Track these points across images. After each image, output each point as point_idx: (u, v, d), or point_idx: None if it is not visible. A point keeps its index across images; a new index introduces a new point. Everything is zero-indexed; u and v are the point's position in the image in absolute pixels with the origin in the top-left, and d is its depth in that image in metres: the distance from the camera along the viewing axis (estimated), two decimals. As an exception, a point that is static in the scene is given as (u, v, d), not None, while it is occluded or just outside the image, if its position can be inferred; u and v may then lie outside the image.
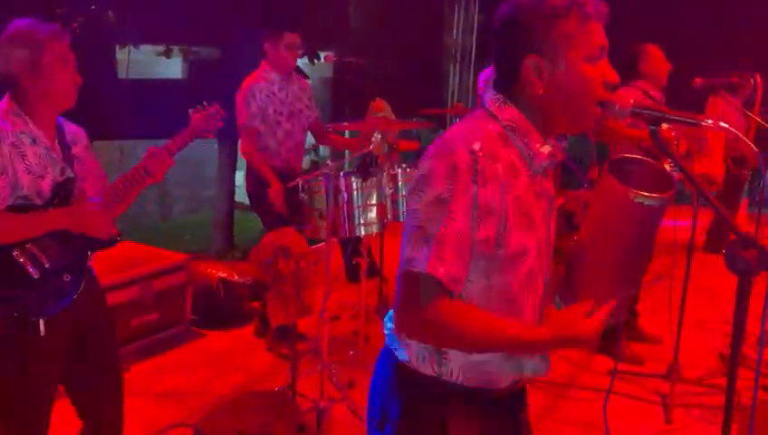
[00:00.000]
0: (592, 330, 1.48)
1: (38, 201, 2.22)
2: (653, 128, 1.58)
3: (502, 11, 1.49)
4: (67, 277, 2.26)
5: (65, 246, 2.26)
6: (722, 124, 1.57)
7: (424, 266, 1.38)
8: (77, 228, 2.27)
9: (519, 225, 1.46)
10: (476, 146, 1.41)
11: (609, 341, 4.22)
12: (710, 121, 1.56)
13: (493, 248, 1.43)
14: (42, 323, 2.20)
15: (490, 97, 1.52)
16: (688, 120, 1.60)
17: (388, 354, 1.61)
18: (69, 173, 2.30)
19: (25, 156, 2.18)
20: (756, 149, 1.62)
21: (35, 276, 2.19)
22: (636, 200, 1.57)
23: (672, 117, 1.52)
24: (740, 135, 1.53)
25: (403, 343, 1.55)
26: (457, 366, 1.52)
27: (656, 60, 4.05)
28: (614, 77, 1.51)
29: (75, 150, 2.38)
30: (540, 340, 1.48)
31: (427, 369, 1.54)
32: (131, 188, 2.39)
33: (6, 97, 2.24)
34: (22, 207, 2.19)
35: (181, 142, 2.45)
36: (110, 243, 2.38)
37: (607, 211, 1.66)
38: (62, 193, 2.27)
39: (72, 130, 2.42)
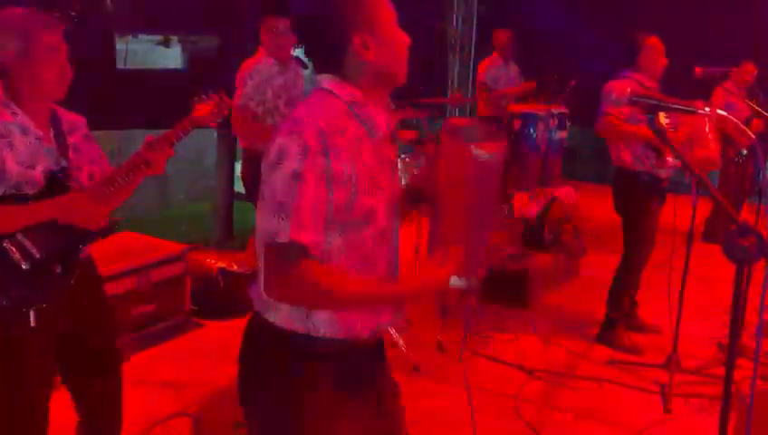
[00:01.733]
0: (442, 277, 1.67)
1: (30, 191, 2.19)
2: (650, 116, 1.58)
3: (301, 10, 1.70)
4: (58, 268, 2.24)
5: (56, 236, 2.23)
6: (719, 112, 1.56)
7: (287, 235, 1.53)
8: (64, 219, 2.24)
9: (367, 189, 1.62)
10: (323, 123, 1.57)
11: (608, 331, 4.24)
12: (707, 109, 1.55)
13: (345, 212, 1.59)
14: (32, 314, 2.18)
15: (326, 79, 1.69)
16: (686, 108, 1.60)
17: (256, 319, 1.74)
18: (63, 162, 2.27)
19: (14, 146, 2.15)
20: (753, 137, 1.61)
21: (25, 267, 2.17)
22: (474, 153, 1.82)
23: (669, 105, 1.51)
24: (739, 124, 1.52)
25: (274, 305, 1.67)
26: (323, 322, 1.67)
27: (655, 53, 4.03)
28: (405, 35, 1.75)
29: (72, 139, 2.34)
30: (397, 294, 1.73)
31: (298, 327, 1.67)
32: (129, 177, 2.34)
33: None
34: (13, 198, 2.16)
35: (182, 132, 2.40)
36: (102, 234, 2.34)
37: (450, 167, 1.85)
38: (57, 182, 2.25)
39: (70, 118, 2.38)
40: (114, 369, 2.55)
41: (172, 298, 4.31)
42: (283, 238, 1.53)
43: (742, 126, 1.50)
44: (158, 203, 8.07)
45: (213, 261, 4.65)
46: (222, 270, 4.59)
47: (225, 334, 4.38)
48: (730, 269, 1.63)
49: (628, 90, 1.48)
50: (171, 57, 7.33)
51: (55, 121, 2.31)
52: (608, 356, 4.10)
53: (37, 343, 2.24)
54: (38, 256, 2.19)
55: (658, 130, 1.54)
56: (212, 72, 6.13)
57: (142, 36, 6.57)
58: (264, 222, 1.57)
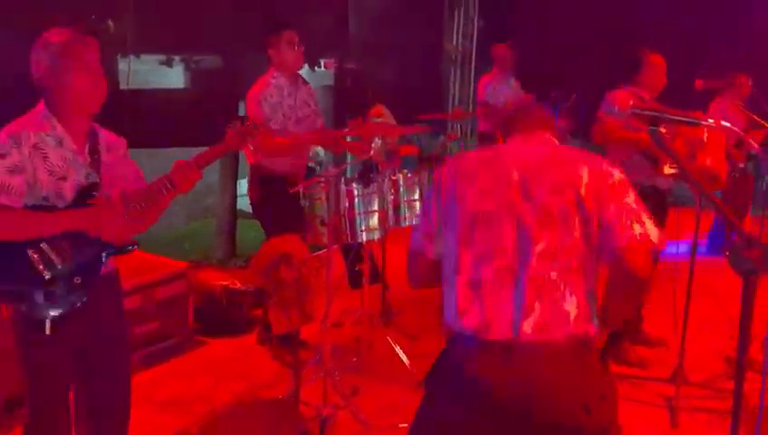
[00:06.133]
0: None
1: (60, 204, 2.27)
2: (653, 128, 1.58)
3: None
4: (78, 280, 2.28)
5: (79, 248, 2.29)
6: (723, 123, 1.56)
7: None
8: (92, 231, 2.30)
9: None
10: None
11: (613, 345, 4.21)
12: (711, 121, 1.55)
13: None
14: (48, 322, 2.23)
15: None
16: (689, 119, 1.60)
17: None
18: (94, 178, 2.34)
19: (47, 157, 2.25)
20: (758, 147, 1.61)
21: (46, 276, 2.22)
22: None
23: (672, 117, 1.52)
24: (742, 134, 1.52)
25: None
26: None
27: (656, 71, 4.04)
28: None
29: (106, 157, 2.41)
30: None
31: None
32: (154, 198, 2.39)
33: (41, 101, 2.33)
34: (42, 209, 2.24)
35: (212, 157, 2.47)
36: (125, 250, 2.41)
37: None
38: (86, 197, 2.31)
39: (109, 137, 2.47)
40: (123, 388, 2.58)
41: (175, 316, 4.30)
42: None
43: (746, 137, 1.50)
44: (161, 221, 8.09)
45: (216, 279, 4.65)
46: (225, 288, 4.59)
47: (228, 352, 4.37)
48: (736, 281, 1.62)
49: (631, 102, 1.51)
50: (174, 77, 7.36)
51: (93, 138, 2.38)
52: (614, 371, 4.07)
53: (50, 352, 2.30)
54: (60, 265, 2.24)
55: (660, 140, 1.54)
56: (215, 92, 6.15)
57: (145, 56, 6.59)
58: None
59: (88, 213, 2.30)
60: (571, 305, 1.90)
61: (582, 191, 1.92)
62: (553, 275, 1.90)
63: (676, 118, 1.55)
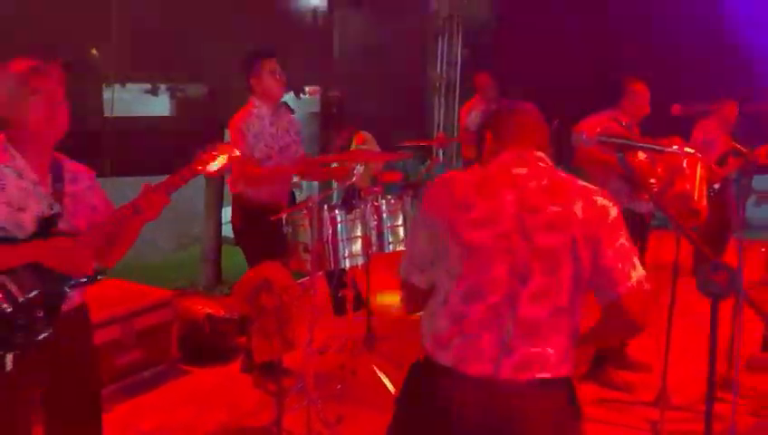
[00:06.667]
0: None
1: (20, 234, 2.22)
2: (620, 154, 1.61)
3: None
4: (40, 313, 2.23)
5: (41, 281, 2.24)
6: (687, 150, 1.59)
7: None
8: (50, 263, 2.25)
9: None
10: None
11: (597, 369, 4.22)
12: (675, 147, 1.59)
13: None
14: (9, 357, 2.17)
15: None
16: (654, 146, 1.64)
17: None
18: (56, 209, 2.30)
19: (5, 188, 2.21)
20: (724, 173, 1.64)
21: (6, 309, 2.16)
22: None
23: (638, 144, 1.55)
24: (706, 161, 1.55)
25: None
26: None
27: (639, 98, 4.11)
28: None
29: (71, 188, 2.38)
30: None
31: None
32: (122, 225, 2.36)
33: (1, 132, 2.30)
34: (1, 241, 2.19)
35: (180, 180, 2.43)
36: (88, 281, 2.35)
37: None
38: (48, 227, 2.27)
39: (74, 168, 2.43)
40: (94, 425, 2.51)
41: (158, 345, 4.28)
42: None
43: (711, 165, 1.54)
44: (146, 249, 8.05)
45: (200, 306, 4.63)
46: (209, 316, 4.57)
47: (212, 381, 4.34)
48: (720, 304, 1.65)
49: (598, 129, 1.52)
50: (159, 105, 7.38)
51: (56, 168, 2.35)
52: (597, 395, 4.07)
53: (11, 388, 2.22)
54: (21, 299, 2.19)
55: (627, 168, 1.57)
56: (200, 120, 6.17)
57: (130, 85, 6.62)
58: None
59: (46, 244, 2.25)
60: (553, 346, 1.87)
61: (577, 231, 1.87)
62: (542, 315, 1.86)
63: (642, 145, 1.57)
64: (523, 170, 1.95)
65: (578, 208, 1.88)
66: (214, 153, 2.51)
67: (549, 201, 1.88)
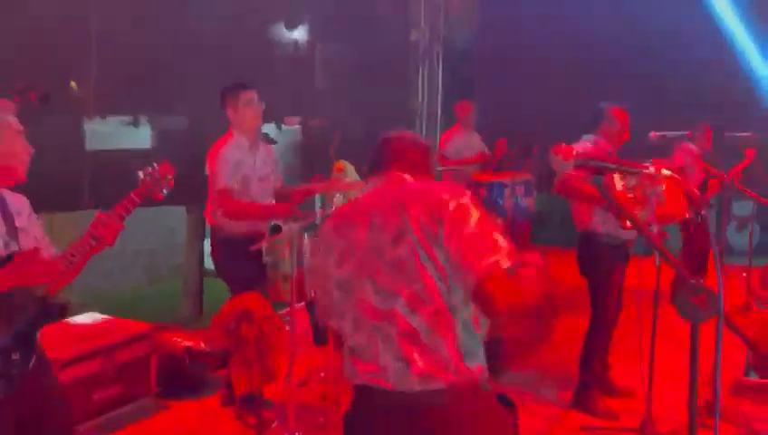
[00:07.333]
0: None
1: None
2: (597, 177, 1.61)
3: None
4: (16, 356, 2.21)
5: (13, 323, 2.21)
6: (665, 172, 1.60)
7: None
8: (21, 279, 2.21)
9: None
10: None
11: (582, 396, 4.19)
12: (652, 169, 1.59)
13: None
14: None
15: None
16: (631, 169, 1.63)
17: None
18: (13, 246, 2.26)
19: None
20: (699, 194, 1.65)
21: None
22: None
23: (614, 166, 1.55)
24: (683, 182, 1.55)
25: None
26: None
27: (618, 124, 4.16)
28: None
29: (19, 222, 2.34)
30: None
31: None
32: (83, 255, 2.34)
33: None
34: None
35: (130, 204, 2.41)
36: (60, 315, 2.34)
37: None
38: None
39: (14, 199, 2.39)
40: None
41: (137, 380, 4.20)
42: None
43: (687, 184, 1.54)
44: (128, 281, 7.97)
45: (179, 340, 4.56)
46: (188, 349, 4.50)
47: (192, 415, 4.26)
48: (702, 330, 1.64)
49: (573, 152, 1.52)
50: (140, 137, 7.36)
51: (2, 204, 2.31)
52: (583, 422, 4.04)
53: None
54: None
55: (604, 190, 1.57)
56: (181, 152, 6.15)
57: (111, 117, 6.59)
58: None
59: (11, 264, 2.20)
60: (447, 349, 1.89)
61: (417, 234, 1.88)
62: (422, 324, 1.89)
63: (618, 167, 1.58)
64: (376, 191, 2.08)
65: (417, 210, 1.90)
66: (153, 173, 2.48)
67: (393, 214, 1.94)
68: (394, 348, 1.91)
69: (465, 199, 1.90)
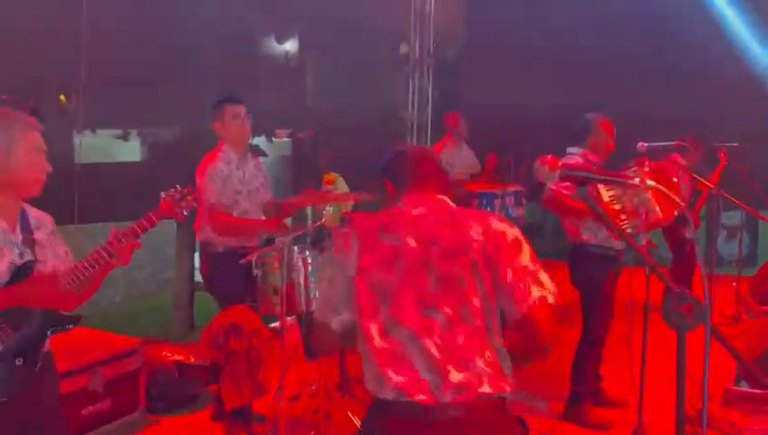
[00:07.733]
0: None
1: None
2: (581, 188, 1.62)
3: None
4: (20, 361, 2.23)
5: (20, 329, 2.24)
6: (649, 182, 1.60)
7: None
8: (30, 301, 2.25)
9: None
10: None
11: (574, 407, 4.19)
12: (636, 180, 1.60)
13: None
14: None
15: None
16: (617, 180, 1.64)
17: None
18: (28, 256, 2.31)
19: None
20: (682, 205, 1.66)
21: None
22: None
23: (599, 177, 1.56)
24: (666, 191, 1.56)
25: None
26: None
27: (604, 135, 4.18)
28: None
29: (37, 236, 2.38)
30: None
31: None
32: (95, 270, 2.35)
33: None
34: None
35: (147, 224, 2.41)
36: (65, 328, 2.36)
37: None
38: (21, 276, 2.27)
39: (36, 215, 2.44)
40: None
41: (126, 395, 4.17)
42: None
43: (670, 194, 1.55)
44: (118, 295, 7.93)
45: (169, 354, 4.54)
46: (178, 363, 4.47)
47: (181, 430, 4.23)
48: (693, 339, 1.64)
49: (559, 163, 1.54)
50: (130, 151, 7.35)
51: (23, 217, 2.36)
52: (575, 433, 4.03)
53: None
54: (1, 348, 2.20)
55: (589, 201, 1.58)
56: (171, 165, 6.14)
57: (100, 131, 6.59)
58: None
59: (21, 285, 2.25)
60: (482, 365, 1.94)
61: (475, 255, 1.96)
62: (460, 339, 1.94)
63: (603, 178, 1.59)
64: (421, 210, 2.08)
65: (475, 233, 1.98)
66: (175, 195, 2.49)
67: (447, 232, 2.00)
68: (429, 360, 1.94)
69: (519, 233, 2.02)
